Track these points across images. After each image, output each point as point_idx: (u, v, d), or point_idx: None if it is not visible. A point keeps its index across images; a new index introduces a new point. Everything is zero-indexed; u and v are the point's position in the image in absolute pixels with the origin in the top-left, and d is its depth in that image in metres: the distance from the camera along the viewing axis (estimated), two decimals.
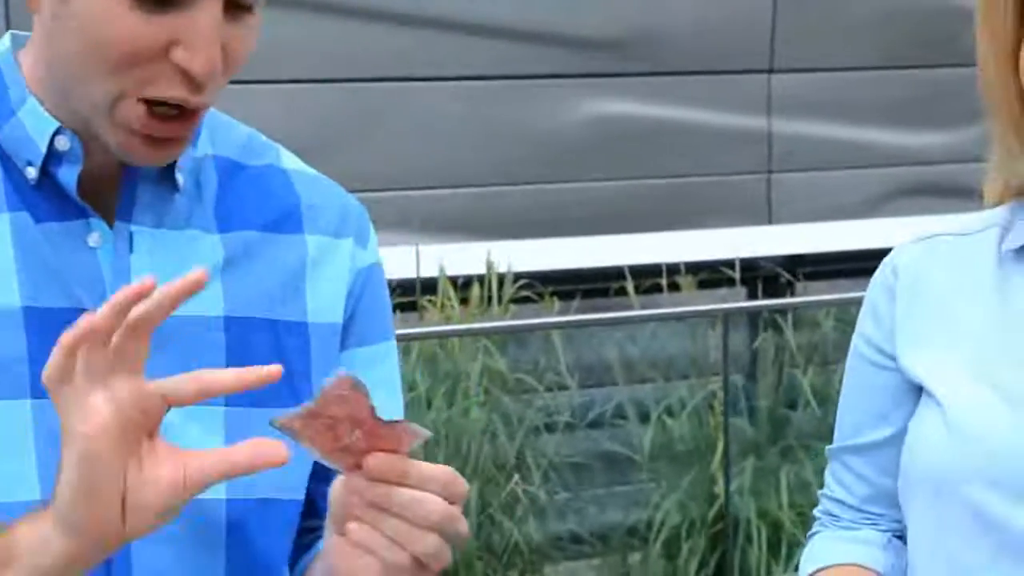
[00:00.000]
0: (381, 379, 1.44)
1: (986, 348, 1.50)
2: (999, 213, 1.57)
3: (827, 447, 1.68)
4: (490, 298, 5.33)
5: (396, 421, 1.15)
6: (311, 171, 1.47)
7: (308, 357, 1.38)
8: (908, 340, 1.56)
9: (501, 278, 5.37)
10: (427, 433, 1.15)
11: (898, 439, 1.57)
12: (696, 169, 6.82)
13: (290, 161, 1.46)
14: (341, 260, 1.43)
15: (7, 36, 1.35)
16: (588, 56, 6.57)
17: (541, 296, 5.50)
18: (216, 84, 1.25)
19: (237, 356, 1.34)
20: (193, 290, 1.12)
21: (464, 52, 6.38)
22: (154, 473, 1.12)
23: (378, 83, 6.20)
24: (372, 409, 1.14)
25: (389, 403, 1.45)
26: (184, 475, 1.13)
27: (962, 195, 6.83)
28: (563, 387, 5.12)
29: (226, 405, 1.33)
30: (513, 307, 5.40)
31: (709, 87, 6.81)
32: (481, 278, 5.34)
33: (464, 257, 5.36)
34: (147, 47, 1.22)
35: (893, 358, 1.58)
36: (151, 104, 1.25)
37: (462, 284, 5.34)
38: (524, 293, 5.45)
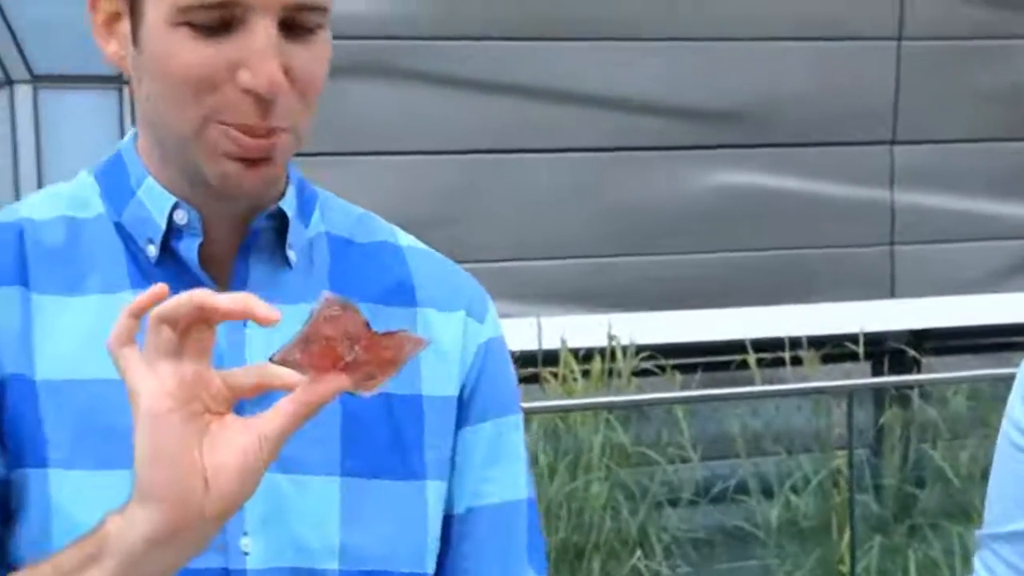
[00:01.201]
0: (507, 453, 1.43)
1: None
2: None
3: (977, 531, 1.63)
4: (611, 371, 5.30)
5: (394, 331, 1.14)
6: (425, 247, 1.48)
7: (422, 430, 1.38)
8: None
9: (623, 351, 5.34)
10: (427, 340, 1.15)
11: None
12: (817, 241, 6.76)
13: (405, 238, 1.47)
14: (454, 333, 1.42)
15: (132, 127, 1.40)
16: (707, 127, 6.55)
17: (663, 369, 5.45)
18: (291, 106, 1.28)
19: (350, 428, 1.34)
20: (261, 321, 1.13)
21: (581, 124, 6.39)
22: (228, 440, 1.13)
23: (497, 155, 6.22)
24: (366, 323, 1.13)
25: (516, 477, 1.43)
26: (258, 433, 1.13)
27: None
28: (685, 460, 5.07)
29: (341, 475, 1.33)
30: (635, 379, 5.36)
31: (830, 158, 6.77)
32: (603, 350, 5.32)
33: (585, 329, 5.35)
34: (213, 72, 1.25)
35: None
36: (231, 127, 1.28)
37: (583, 356, 5.32)
38: (645, 365, 5.41)
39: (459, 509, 1.39)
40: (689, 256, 6.52)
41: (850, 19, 6.74)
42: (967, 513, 5.11)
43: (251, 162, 1.28)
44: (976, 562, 1.62)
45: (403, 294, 1.42)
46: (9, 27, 5.83)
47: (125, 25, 1.30)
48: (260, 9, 1.25)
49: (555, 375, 5.20)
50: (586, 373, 5.27)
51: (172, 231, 1.33)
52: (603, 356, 5.31)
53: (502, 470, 1.41)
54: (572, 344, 5.25)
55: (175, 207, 1.32)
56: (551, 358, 5.24)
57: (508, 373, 1.46)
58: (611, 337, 5.29)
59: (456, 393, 1.40)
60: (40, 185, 5.90)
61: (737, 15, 6.60)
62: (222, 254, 1.34)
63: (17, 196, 5.94)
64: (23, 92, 5.90)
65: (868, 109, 6.83)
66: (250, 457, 1.13)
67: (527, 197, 6.20)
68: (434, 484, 1.37)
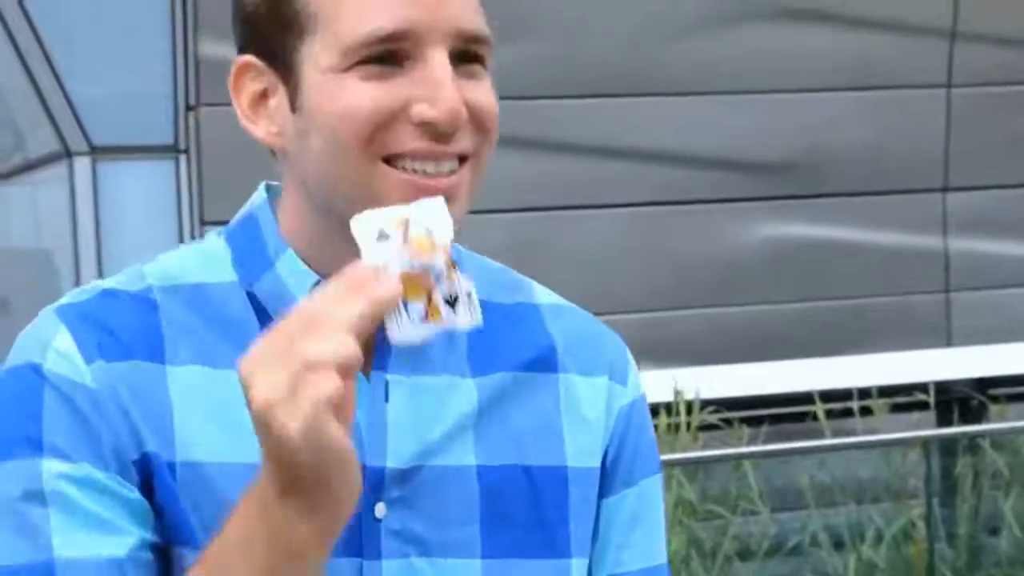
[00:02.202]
0: (648, 516, 1.38)
1: None
2: None
3: None
4: (677, 425, 5.28)
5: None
6: (566, 304, 1.42)
7: (566, 504, 1.33)
8: None
9: (689, 405, 5.32)
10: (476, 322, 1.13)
11: None
12: (872, 290, 6.74)
13: (542, 295, 1.41)
14: (597, 400, 1.37)
15: (262, 187, 1.35)
16: (763, 179, 6.56)
17: (728, 422, 5.44)
18: (470, 139, 1.24)
19: (490, 505, 1.30)
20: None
21: (639, 179, 6.41)
22: None
23: (557, 211, 6.24)
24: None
25: (656, 541, 1.39)
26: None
27: None
28: (754, 513, 5.05)
29: (483, 557, 1.29)
30: (702, 434, 5.35)
31: (883, 207, 6.76)
32: (668, 405, 5.30)
33: (649, 384, 5.33)
34: (388, 109, 1.22)
35: None
36: (404, 169, 1.23)
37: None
38: (711, 420, 5.40)
39: None
40: (749, 308, 6.51)
41: (900, 68, 6.75)
42: None
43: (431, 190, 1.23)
44: None
45: (546, 362, 1.37)
46: (68, 99, 5.88)
47: (278, 99, 1.26)
48: (433, 40, 1.22)
49: None
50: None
51: None
52: (668, 411, 5.30)
53: (642, 535, 1.37)
54: None
55: (316, 284, 1.27)
56: None
57: (649, 433, 1.42)
58: (676, 392, 5.27)
59: (599, 463, 1.36)
60: (99, 255, 5.93)
61: (787, 67, 6.62)
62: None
63: (77, 265, 5.97)
64: (82, 164, 5.95)
65: (920, 157, 6.83)
66: None
67: (587, 253, 6.21)
68: (579, 562, 1.33)
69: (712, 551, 4.93)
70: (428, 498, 1.28)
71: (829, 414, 5.40)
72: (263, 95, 1.27)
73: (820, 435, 5.42)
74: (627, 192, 6.41)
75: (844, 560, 4.93)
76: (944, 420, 5.93)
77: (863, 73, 6.73)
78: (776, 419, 5.76)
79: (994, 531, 5.12)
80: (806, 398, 5.53)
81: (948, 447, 5.20)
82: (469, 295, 1.12)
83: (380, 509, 1.27)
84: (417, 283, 1.11)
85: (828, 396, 5.60)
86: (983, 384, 6.14)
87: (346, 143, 1.22)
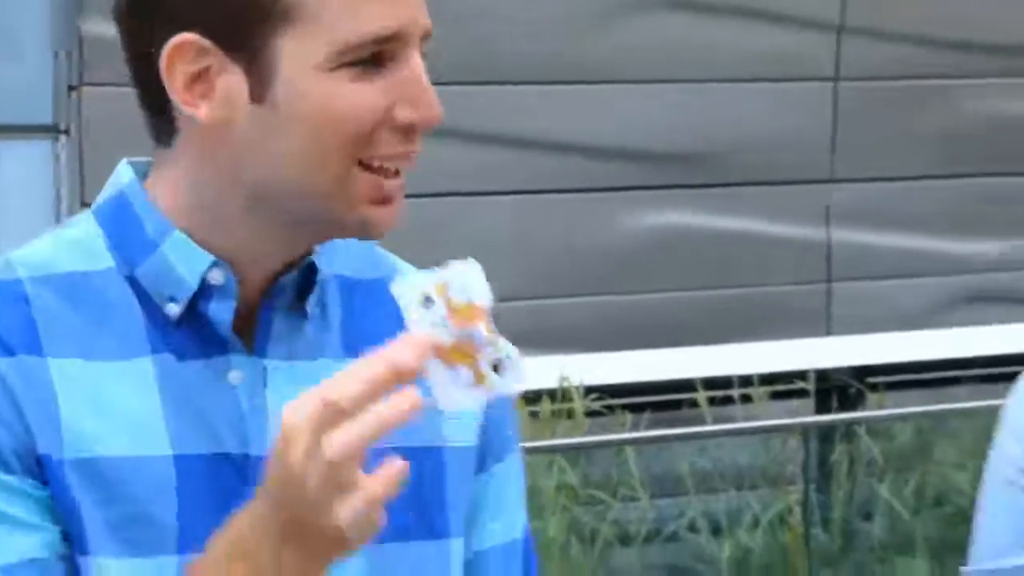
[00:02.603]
0: (512, 490, 1.40)
1: None
2: None
3: (963, 568, 1.63)
4: (562, 412, 5.31)
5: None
6: None
7: (444, 484, 1.34)
8: None
9: (574, 392, 5.35)
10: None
11: None
12: (756, 280, 6.81)
13: (408, 270, 1.39)
14: None
15: (125, 166, 1.30)
16: (652, 169, 6.61)
17: (612, 409, 5.48)
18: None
19: None
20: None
21: (530, 167, 6.42)
22: None
23: (447, 198, 6.24)
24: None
25: (518, 512, 1.40)
26: None
27: (1021, 303, 6.81)
28: (635, 499, 5.09)
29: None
30: (585, 421, 5.38)
31: (771, 197, 6.84)
32: (552, 392, 5.33)
33: (534, 371, 5.35)
34: (378, 113, 1.21)
35: None
36: (374, 169, 1.24)
37: (531, 398, 5.33)
38: (595, 407, 5.43)
39: (467, 555, 1.35)
40: (636, 297, 6.56)
41: (789, 61, 6.83)
42: (913, 546, 5.16)
43: (386, 201, 1.25)
44: None
45: None
46: None
47: (229, 84, 1.22)
48: (413, 40, 1.22)
49: None
50: (534, 415, 5.28)
51: (202, 290, 1.25)
52: (552, 398, 5.33)
53: (509, 509, 1.38)
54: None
55: (213, 266, 1.25)
56: None
57: (512, 408, 1.43)
58: (562, 379, 5.30)
59: (475, 442, 1.36)
60: None
61: (680, 59, 6.67)
62: (244, 310, 1.28)
63: None
64: None
65: (807, 149, 6.91)
66: None
67: (477, 240, 6.21)
68: (457, 542, 1.34)
69: (592, 536, 4.96)
70: None
71: (710, 401, 5.45)
72: (201, 76, 1.22)
73: (701, 422, 5.48)
74: (519, 179, 6.42)
75: (721, 546, 4.99)
76: (823, 408, 6.01)
77: (754, 65, 6.80)
78: (658, 406, 5.80)
79: (868, 516, 5.20)
80: (688, 385, 5.58)
81: (826, 434, 5.28)
82: (511, 358, 1.13)
83: None
84: (464, 350, 1.12)
85: (710, 383, 5.66)
86: (862, 372, 6.23)
87: (331, 145, 1.21)
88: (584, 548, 4.92)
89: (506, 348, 1.14)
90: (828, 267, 6.93)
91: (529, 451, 4.94)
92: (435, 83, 1.25)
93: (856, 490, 5.24)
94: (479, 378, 1.13)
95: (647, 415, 5.66)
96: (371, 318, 1.34)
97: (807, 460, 4.75)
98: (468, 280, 1.15)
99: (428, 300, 1.13)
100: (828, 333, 6.79)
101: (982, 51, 6.97)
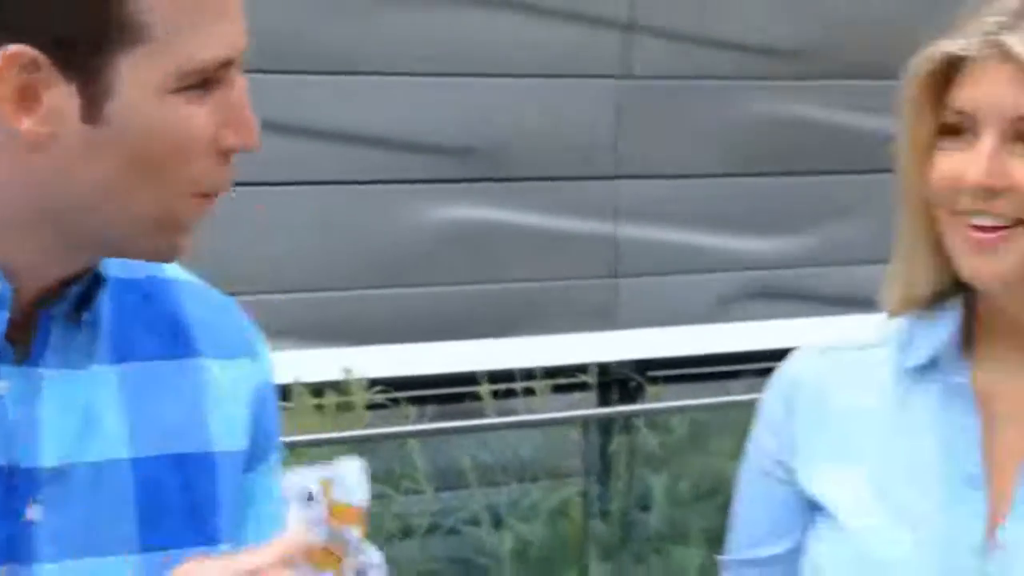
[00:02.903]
0: (270, 492, 1.40)
1: (887, 468, 1.51)
2: (896, 326, 1.56)
3: (720, 557, 1.67)
4: (345, 404, 5.30)
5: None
6: (197, 281, 1.43)
7: (215, 489, 1.34)
8: (808, 456, 1.55)
9: (357, 385, 5.34)
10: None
11: (796, 553, 1.57)
12: (543, 274, 6.87)
13: (173, 270, 1.41)
14: (239, 381, 1.38)
15: None
16: (436, 162, 6.62)
17: (396, 402, 5.48)
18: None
19: (145, 498, 1.29)
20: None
21: (315, 158, 6.39)
22: None
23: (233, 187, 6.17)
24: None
25: (275, 516, 1.41)
26: None
27: (803, 299, 6.99)
28: (418, 491, 5.10)
29: (140, 552, 1.28)
30: (368, 413, 5.37)
31: (555, 193, 6.90)
32: (336, 384, 5.31)
33: (318, 363, 5.33)
34: (204, 135, 1.20)
35: (792, 471, 1.57)
36: (195, 195, 1.23)
37: (316, 390, 5.31)
38: (378, 399, 5.43)
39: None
40: (422, 290, 6.56)
41: (576, 57, 6.90)
42: (688, 536, 5.27)
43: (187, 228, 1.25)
44: None
45: (182, 344, 1.36)
46: None
47: (58, 101, 1.18)
48: (240, 62, 1.21)
49: (287, 410, 5.17)
50: (318, 408, 5.25)
51: None
52: (337, 390, 5.31)
53: (274, 507, 1.39)
54: (305, 379, 5.23)
55: None
56: (283, 393, 5.21)
57: (276, 410, 1.45)
58: (345, 371, 5.28)
59: (246, 446, 1.37)
60: None
61: (469, 52, 6.70)
62: (21, 319, 1.25)
63: None
64: None
65: (593, 145, 6.99)
66: None
67: (261, 231, 6.16)
68: (226, 547, 1.34)
69: (375, 529, 4.96)
70: (82, 496, 1.25)
71: (494, 394, 5.49)
72: (29, 88, 1.18)
73: (484, 415, 5.52)
74: (303, 170, 6.38)
75: (502, 538, 5.03)
76: (605, 402, 6.09)
77: (542, 61, 6.86)
78: (443, 399, 5.83)
79: (646, 507, 5.29)
80: (472, 379, 5.61)
81: (605, 427, 5.35)
82: (376, 565, 1.17)
83: (33, 512, 1.24)
84: (334, 552, 1.14)
85: (494, 377, 5.69)
86: (643, 366, 6.33)
87: (157, 170, 1.19)
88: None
89: (373, 555, 1.18)
90: (614, 262, 7.02)
91: (312, 444, 4.92)
92: None
93: (635, 482, 5.33)
94: None
95: (431, 408, 5.68)
96: (140, 320, 1.34)
97: (586, 452, 4.82)
98: (350, 479, 1.17)
99: (310, 497, 1.15)
100: (615, 328, 6.88)
101: (762, 54, 7.13)
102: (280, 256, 6.15)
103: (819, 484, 1.53)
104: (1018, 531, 1.44)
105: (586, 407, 5.68)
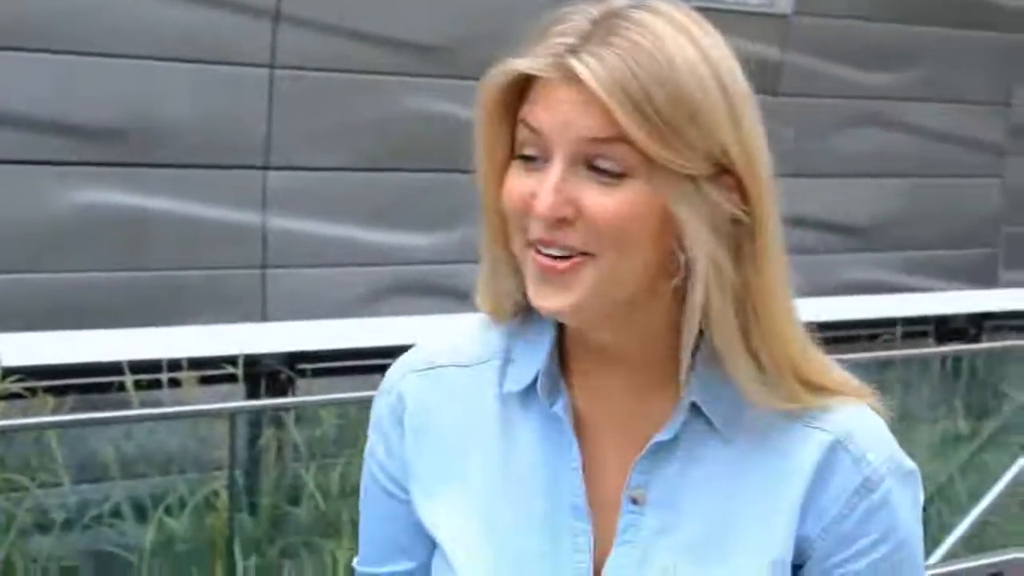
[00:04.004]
0: None
1: (492, 500, 1.44)
2: (499, 341, 1.47)
3: (355, 565, 1.57)
4: None
5: None
6: None
7: None
8: (418, 481, 1.47)
9: None
10: None
11: (425, 568, 1.49)
12: (190, 263, 6.73)
13: None
14: None
15: None
16: (87, 144, 6.40)
17: (33, 391, 5.26)
18: None
19: None
20: None
21: None
22: None
23: None
24: None
25: None
26: None
27: (448, 295, 7.06)
28: (57, 484, 4.91)
29: None
30: (1, 404, 5.14)
31: (206, 180, 6.77)
32: None
33: None
34: None
35: (408, 493, 1.48)
36: None
37: None
38: (14, 388, 5.21)
39: None
40: (63, 276, 6.33)
41: (226, 45, 6.78)
42: (338, 530, 5.24)
43: None
44: None
45: None
46: None
47: None
48: None
49: None
50: None
51: None
52: None
53: None
54: None
55: None
56: None
57: None
58: None
59: None
60: None
61: (120, 33, 6.50)
62: None
63: None
64: None
65: (243, 134, 6.88)
66: None
67: None
68: None
69: (7, 523, 4.75)
70: None
71: (138, 385, 5.33)
72: None
73: (128, 406, 5.36)
74: None
75: (145, 531, 4.90)
76: (254, 394, 6.01)
77: (193, 45, 6.71)
78: (84, 389, 5.63)
79: (295, 501, 5.24)
80: (115, 368, 5.44)
81: (254, 419, 5.27)
82: None
83: None
84: None
85: (139, 367, 5.54)
86: (293, 359, 6.28)
87: None
88: None
89: None
90: (263, 253, 6.94)
91: None
92: None
93: (284, 475, 5.27)
94: None
95: (71, 398, 5.48)
96: None
97: (233, 445, 4.73)
98: None
99: None
100: (263, 319, 6.79)
101: (413, 50, 7.17)
102: None
103: (428, 514, 1.46)
104: (623, 563, 1.40)
105: (234, 399, 5.59)
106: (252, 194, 6.94)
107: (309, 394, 5.84)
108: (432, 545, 1.46)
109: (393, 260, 7.21)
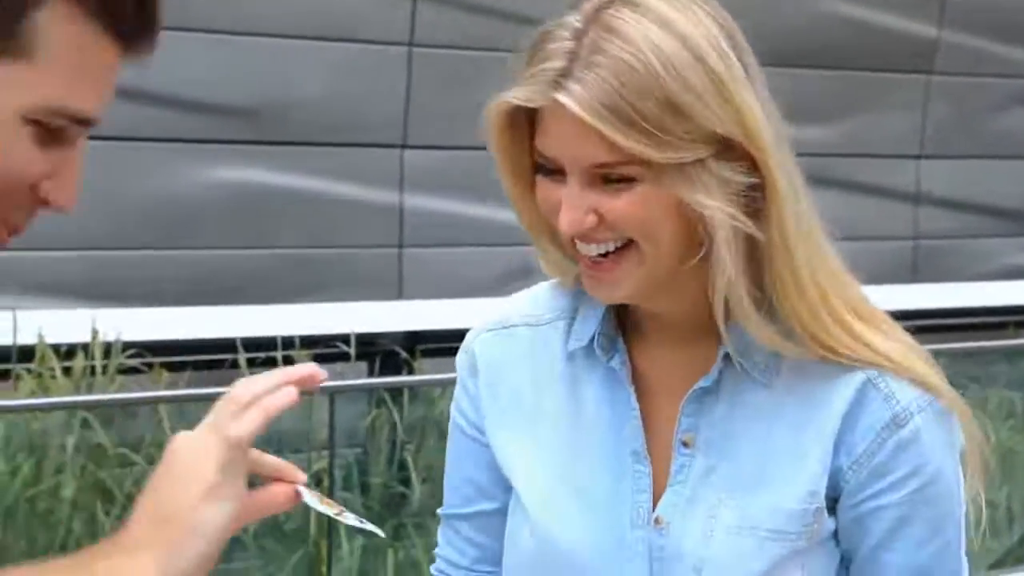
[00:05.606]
0: None
1: (561, 448, 1.58)
2: (566, 302, 1.62)
3: (439, 510, 1.70)
4: (95, 368, 5.12)
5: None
6: None
7: None
8: (494, 429, 1.62)
9: (107, 347, 5.16)
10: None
11: (503, 510, 1.63)
12: (326, 241, 6.75)
13: None
14: None
15: None
16: (222, 122, 6.45)
17: (150, 367, 5.31)
18: None
19: None
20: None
21: None
22: None
23: None
24: None
25: None
26: None
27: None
28: None
29: None
30: (120, 378, 5.19)
31: (342, 159, 6.78)
32: (86, 346, 5.13)
33: (68, 324, 5.14)
34: (32, 177, 1.17)
35: (484, 433, 1.63)
36: None
37: (66, 352, 5.12)
38: (132, 363, 5.26)
39: None
40: (199, 252, 6.40)
41: (364, 23, 6.78)
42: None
43: None
44: (440, 536, 1.72)
45: None
46: None
47: None
48: (88, 129, 1.19)
49: (31, 372, 4.97)
50: (67, 371, 5.06)
51: None
52: (86, 352, 5.12)
53: None
54: (52, 340, 5.03)
55: None
56: (28, 354, 5.01)
57: None
58: (95, 333, 5.10)
59: None
60: None
61: (254, 12, 6.53)
62: None
63: None
64: None
65: (381, 112, 6.88)
66: None
67: None
68: None
69: (125, 496, 4.81)
70: None
71: (253, 363, 5.35)
72: None
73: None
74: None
75: None
76: (370, 373, 6.00)
77: (329, 25, 6.72)
78: (199, 366, 5.67)
79: (407, 481, 5.21)
80: (231, 346, 5.47)
81: (363, 398, 5.25)
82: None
83: None
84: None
85: (253, 345, 5.55)
86: (414, 339, 6.25)
87: None
88: (107, 508, 4.76)
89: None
90: (400, 232, 6.92)
91: (54, 407, 4.74)
92: None
93: (395, 457, 5.25)
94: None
95: (187, 374, 5.52)
96: None
97: (333, 423, 4.72)
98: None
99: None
100: (399, 297, 6.78)
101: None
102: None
103: (503, 457, 1.60)
104: (675, 500, 1.54)
105: (350, 378, 5.58)
106: (390, 173, 6.93)
107: (422, 373, 5.80)
108: (509, 488, 1.60)
109: (527, 240, 7.14)
